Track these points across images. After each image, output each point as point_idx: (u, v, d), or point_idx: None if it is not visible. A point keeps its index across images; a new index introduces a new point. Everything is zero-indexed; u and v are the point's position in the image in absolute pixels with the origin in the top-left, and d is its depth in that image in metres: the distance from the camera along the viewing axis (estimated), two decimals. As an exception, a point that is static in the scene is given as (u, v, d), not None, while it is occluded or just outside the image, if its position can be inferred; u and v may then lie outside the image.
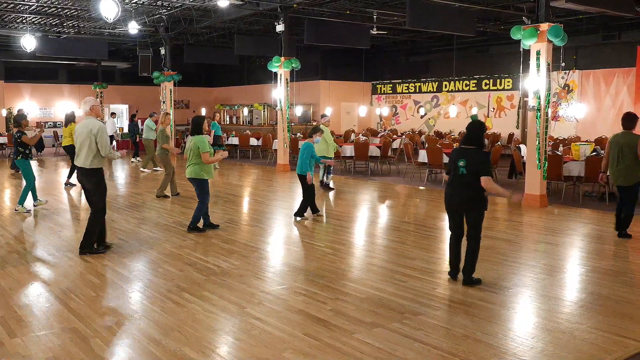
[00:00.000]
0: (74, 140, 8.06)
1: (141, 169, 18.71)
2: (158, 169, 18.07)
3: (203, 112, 32.98)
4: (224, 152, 10.15)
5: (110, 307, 5.96)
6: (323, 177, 14.64)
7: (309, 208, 10.76)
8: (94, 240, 8.09)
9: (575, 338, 5.19)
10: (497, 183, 7.45)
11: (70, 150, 14.53)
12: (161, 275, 7.13)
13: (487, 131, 6.85)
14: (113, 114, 24.48)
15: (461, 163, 6.63)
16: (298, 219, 10.58)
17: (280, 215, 11.49)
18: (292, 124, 22.73)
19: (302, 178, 10.54)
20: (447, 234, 9.92)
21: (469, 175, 6.60)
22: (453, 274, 6.93)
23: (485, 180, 6.50)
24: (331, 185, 14.79)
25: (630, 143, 8.92)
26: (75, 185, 14.69)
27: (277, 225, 10.58)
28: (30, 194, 11.41)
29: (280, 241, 9.38)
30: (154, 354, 4.80)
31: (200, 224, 9.67)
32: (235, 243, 8.83)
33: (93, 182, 7.88)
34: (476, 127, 6.79)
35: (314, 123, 28.10)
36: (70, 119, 14.85)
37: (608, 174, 9.66)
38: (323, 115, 14.88)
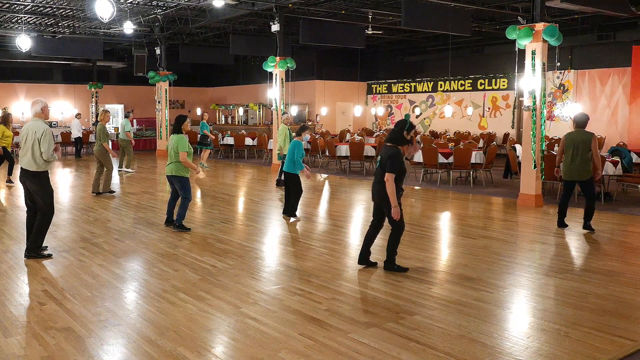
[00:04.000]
0: (21, 141, 7.78)
1: (125, 170, 18.40)
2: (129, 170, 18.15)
3: (198, 112, 32.99)
4: (201, 175, 10.98)
5: (106, 306, 5.94)
6: (280, 175, 14.63)
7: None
8: (41, 243, 7.85)
9: (570, 338, 5.20)
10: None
11: None
12: (156, 275, 7.12)
13: (411, 129, 7.07)
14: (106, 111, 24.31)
15: (378, 158, 7.09)
16: (292, 219, 10.61)
17: (276, 215, 11.48)
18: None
19: (291, 176, 10.54)
20: (442, 233, 9.98)
21: (380, 170, 6.98)
22: (361, 260, 7.42)
23: (386, 177, 6.85)
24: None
25: (585, 140, 9.46)
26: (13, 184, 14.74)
27: (273, 225, 10.57)
28: None
29: (275, 241, 9.38)
30: (149, 354, 4.79)
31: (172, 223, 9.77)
32: (230, 243, 8.82)
33: (36, 184, 7.63)
34: (396, 125, 7.13)
35: (309, 123, 28.16)
36: (4, 120, 14.46)
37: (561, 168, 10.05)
38: (284, 113, 14.69)
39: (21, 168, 7.73)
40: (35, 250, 7.80)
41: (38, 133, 7.50)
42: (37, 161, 7.55)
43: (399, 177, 6.95)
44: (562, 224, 9.94)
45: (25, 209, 7.95)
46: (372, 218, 7.46)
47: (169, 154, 9.55)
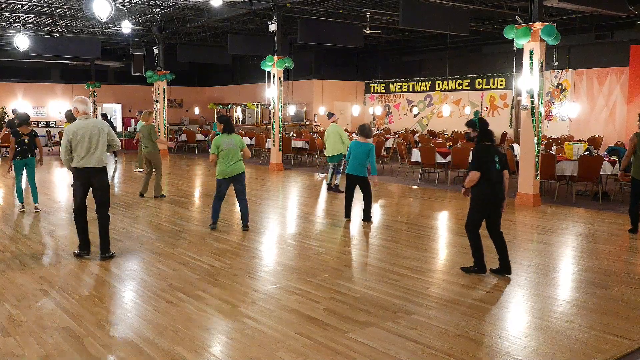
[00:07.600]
0: None
1: (138, 170, 18.33)
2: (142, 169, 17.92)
3: (196, 111, 32.97)
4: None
5: (104, 306, 5.94)
6: (331, 179, 14.22)
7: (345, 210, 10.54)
8: (107, 243, 7.85)
9: (568, 337, 5.21)
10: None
11: None
12: (154, 274, 7.11)
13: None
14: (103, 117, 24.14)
15: (496, 159, 7.00)
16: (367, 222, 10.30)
17: (274, 214, 11.49)
18: (285, 123, 22.67)
19: (363, 180, 10.12)
20: (440, 233, 9.96)
21: (501, 170, 7.07)
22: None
23: (506, 175, 7.15)
24: (340, 187, 14.51)
25: None
26: None
27: (271, 224, 10.57)
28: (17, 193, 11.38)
29: (273, 240, 9.38)
30: (147, 354, 4.79)
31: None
32: (228, 242, 8.82)
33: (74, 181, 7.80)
34: (488, 124, 7.40)
35: (307, 122, 28.15)
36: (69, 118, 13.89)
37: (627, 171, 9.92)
38: (331, 114, 14.28)
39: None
40: (107, 250, 7.83)
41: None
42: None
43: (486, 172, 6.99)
44: (634, 229, 9.48)
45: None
46: (481, 227, 7.40)
47: (230, 155, 9.46)
